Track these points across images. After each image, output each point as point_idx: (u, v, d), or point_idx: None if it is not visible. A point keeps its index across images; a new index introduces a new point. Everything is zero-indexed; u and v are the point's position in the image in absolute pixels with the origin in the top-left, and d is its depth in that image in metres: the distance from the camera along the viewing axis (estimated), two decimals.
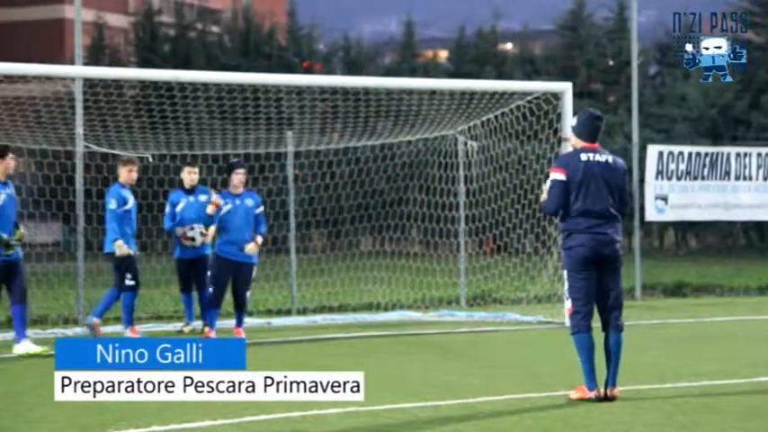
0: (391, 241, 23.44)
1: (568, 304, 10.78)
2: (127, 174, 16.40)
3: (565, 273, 10.84)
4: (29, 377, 12.79)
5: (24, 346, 14.73)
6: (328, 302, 20.26)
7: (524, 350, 15.04)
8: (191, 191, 17.07)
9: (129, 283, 16.04)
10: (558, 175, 10.78)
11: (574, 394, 10.80)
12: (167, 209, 17.19)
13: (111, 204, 16.18)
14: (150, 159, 20.13)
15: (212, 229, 16.15)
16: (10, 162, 15.34)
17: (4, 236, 14.71)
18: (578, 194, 10.70)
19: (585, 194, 10.69)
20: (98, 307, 16.25)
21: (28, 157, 21.95)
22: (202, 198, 16.81)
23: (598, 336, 10.82)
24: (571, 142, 11.12)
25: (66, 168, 20.27)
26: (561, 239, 10.97)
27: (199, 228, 16.74)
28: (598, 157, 10.82)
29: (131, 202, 16.40)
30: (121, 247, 16.01)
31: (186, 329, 17.12)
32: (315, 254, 23.98)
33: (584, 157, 10.80)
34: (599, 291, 10.78)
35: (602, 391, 10.66)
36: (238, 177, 16.02)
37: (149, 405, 10.52)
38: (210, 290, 15.81)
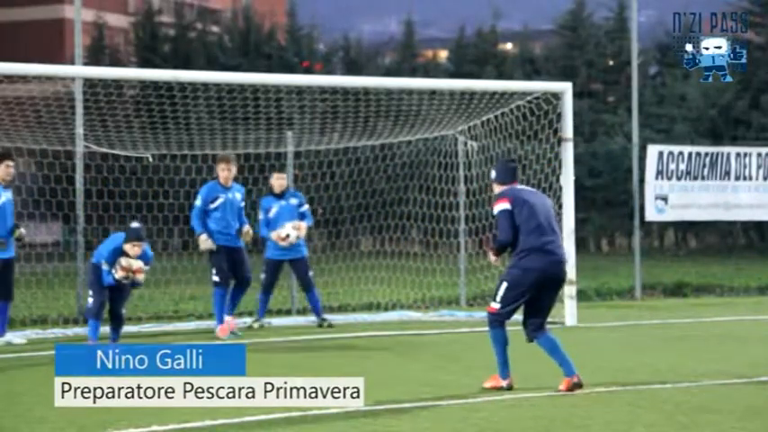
0: (391, 241, 23.43)
1: (495, 305, 11.59)
2: (221, 172, 16.52)
3: (506, 283, 11.47)
4: (29, 377, 12.79)
5: (6, 339, 15.45)
6: (328, 302, 20.25)
7: (524, 350, 15.02)
8: (281, 195, 17.58)
9: (214, 279, 16.13)
10: (503, 206, 11.40)
11: (487, 383, 11.52)
12: (261, 216, 17.59)
13: (197, 201, 16.37)
14: (150, 159, 20.14)
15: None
16: (6, 169, 15.52)
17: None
18: (529, 213, 11.32)
19: (535, 213, 11.32)
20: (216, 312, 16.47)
21: (28, 157, 21.95)
22: (293, 201, 17.52)
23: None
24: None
25: (66, 168, 20.27)
26: (516, 259, 11.46)
27: (290, 224, 17.17)
28: (527, 188, 11.79)
29: (221, 200, 16.46)
30: (205, 242, 16.04)
31: (256, 325, 17.55)
32: (315, 254, 23.97)
33: (518, 186, 11.62)
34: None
35: (512, 380, 11.51)
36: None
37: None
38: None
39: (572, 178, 18.29)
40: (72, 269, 19.59)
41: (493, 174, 11.69)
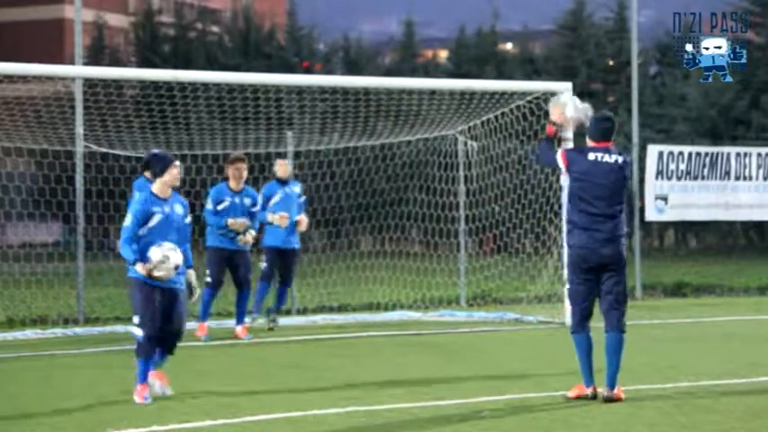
0: (391, 241, 23.43)
1: (568, 304, 10.87)
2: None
3: (566, 271, 10.88)
4: (29, 377, 12.79)
5: None
6: (328, 302, 20.25)
7: (524, 350, 15.04)
8: (285, 182, 17.28)
9: (207, 279, 16.06)
10: (559, 160, 10.91)
11: (571, 393, 10.84)
12: (260, 202, 16.94)
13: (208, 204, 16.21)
14: None
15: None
16: None
17: None
18: (580, 190, 10.71)
19: (586, 192, 10.67)
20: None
21: (28, 157, 21.94)
22: (296, 189, 17.33)
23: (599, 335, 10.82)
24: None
25: (66, 168, 20.27)
26: (566, 233, 10.98)
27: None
28: (608, 158, 10.79)
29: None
30: (246, 232, 16.03)
31: (270, 324, 17.32)
32: (315, 254, 23.97)
33: (591, 156, 10.81)
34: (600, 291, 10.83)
35: (597, 389, 10.71)
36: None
37: (149, 405, 10.54)
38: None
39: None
40: (72, 269, 19.59)
41: (586, 125, 11.04)
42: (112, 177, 22.25)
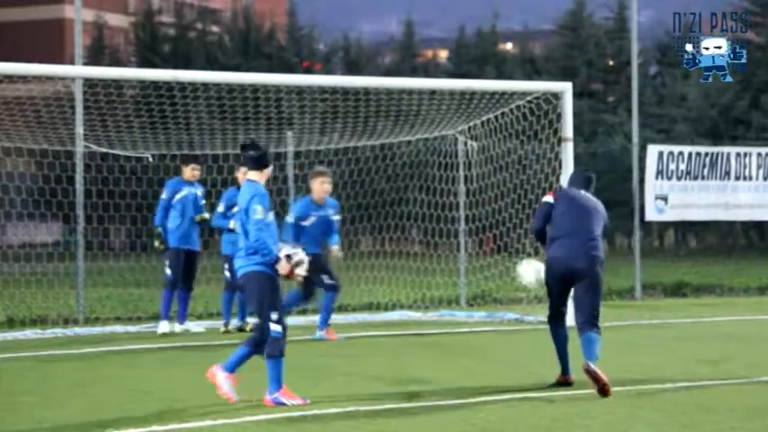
0: (391, 241, 23.43)
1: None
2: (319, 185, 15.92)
3: None
4: (29, 377, 12.79)
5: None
6: None
7: (524, 350, 15.03)
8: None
9: (328, 282, 15.98)
10: (548, 198, 11.66)
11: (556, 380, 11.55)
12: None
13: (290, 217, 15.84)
14: (150, 159, 20.13)
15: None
16: None
17: None
18: (564, 213, 11.44)
19: (570, 215, 11.42)
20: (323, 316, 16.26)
21: (28, 157, 21.95)
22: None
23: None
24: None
25: (66, 168, 20.27)
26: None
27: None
28: (589, 196, 11.67)
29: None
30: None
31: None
32: None
33: (573, 192, 11.67)
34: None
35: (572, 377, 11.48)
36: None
37: (149, 405, 10.54)
38: None
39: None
40: (72, 269, 19.59)
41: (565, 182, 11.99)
42: (112, 177, 22.26)
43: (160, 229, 16.60)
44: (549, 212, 11.51)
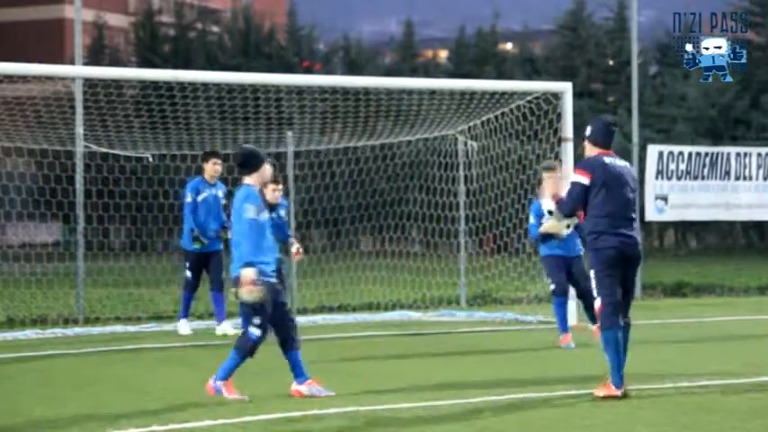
0: (391, 241, 23.44)
1: (598, 302, 10.96)
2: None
3: (592, 272, 10.99)
4: (29, 377, 12.79)
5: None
6: (328, 302, 20.25)
7: (524, 350, 15.04)
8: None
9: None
10: (581, 178, 10.93)
11: (599, 391, 10.80)
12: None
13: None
14: (150, 159, 20.13)
15: None
16: None
17: None
18: (605, 197, 10.83)
19: (612, 198, 10.83)
20: None
21: (28, 157, 21.96)
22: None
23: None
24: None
25: (66, 168, 20.27)
26: (589, 240, 11.08)
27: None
28: (619, 162, 11.03)
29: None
30: None
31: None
32: (315, 254, 23.98)
33: (607, 160, 10.95)
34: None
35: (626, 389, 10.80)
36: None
37: (149, 405, 10.54)
38: None
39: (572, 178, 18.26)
40: (72, 269, 19.59)
41: (588, 129, 11.09)
42: (112, 177, 22.28)
43: (197, 231, 16.44)
44: (585, 195, 10.84)
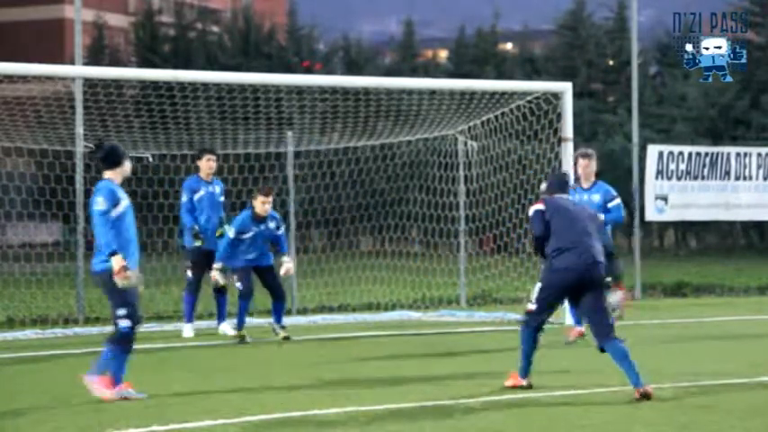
0: (391, 241, 23.43)
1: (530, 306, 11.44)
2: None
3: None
4: (29, 377, 12.79)
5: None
6: (328, 302, 20.25)
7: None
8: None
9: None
10: (537, 206, 11.33)
11: (508, 382, 11.33)
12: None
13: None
14: (150, 159, 20.11)
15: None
16: None
17: None
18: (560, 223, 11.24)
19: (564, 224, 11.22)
20: None
21: (28, 157, 21.95)
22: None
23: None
24: None
25: (66, 168, 20.26)
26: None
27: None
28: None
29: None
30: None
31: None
32: (315, 254, 23.97)
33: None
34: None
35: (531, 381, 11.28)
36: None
37: (149, 405, 10.54)
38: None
39: (572, 178, 18.28)
40: (72, 269, 19.59)
41: (543, 186, 11.65)
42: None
43: (197, 228, 16.38)
44: (545, 219, 11.22)
